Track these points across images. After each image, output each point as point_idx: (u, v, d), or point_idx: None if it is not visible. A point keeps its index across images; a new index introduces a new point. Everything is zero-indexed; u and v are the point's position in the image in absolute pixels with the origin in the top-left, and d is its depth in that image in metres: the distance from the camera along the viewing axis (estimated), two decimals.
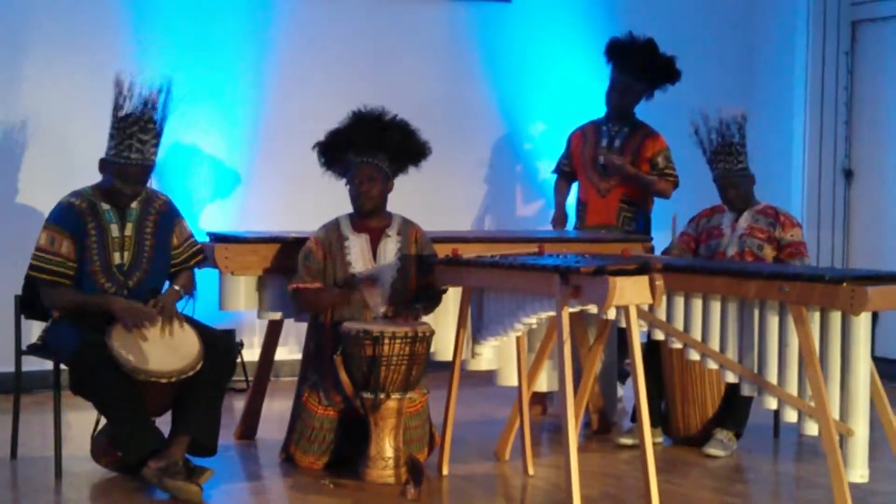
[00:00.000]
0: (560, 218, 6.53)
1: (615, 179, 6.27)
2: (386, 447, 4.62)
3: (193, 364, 4.45)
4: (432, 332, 4.70)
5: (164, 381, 4.39)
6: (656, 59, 6.32)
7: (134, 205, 4.72)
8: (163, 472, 4.34)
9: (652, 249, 5.88)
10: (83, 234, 4.63)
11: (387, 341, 4.54)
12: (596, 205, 6.33)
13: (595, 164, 6.32)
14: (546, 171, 7.40)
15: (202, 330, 4.62)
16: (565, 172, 6.53)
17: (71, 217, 4.64)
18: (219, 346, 4.60)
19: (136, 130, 4.58)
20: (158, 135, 4.64)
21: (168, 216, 4.80)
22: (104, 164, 4.65)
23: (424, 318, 4.98)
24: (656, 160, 6.27)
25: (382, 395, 4.60)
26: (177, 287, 4.75)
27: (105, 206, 4.67)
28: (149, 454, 4.41)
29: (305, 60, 7.03)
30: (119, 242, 4.67)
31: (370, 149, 4.91)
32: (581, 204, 6.45)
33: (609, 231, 6.18)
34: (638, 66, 6.26)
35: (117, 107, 4.61)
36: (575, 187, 6.57)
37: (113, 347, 4.39)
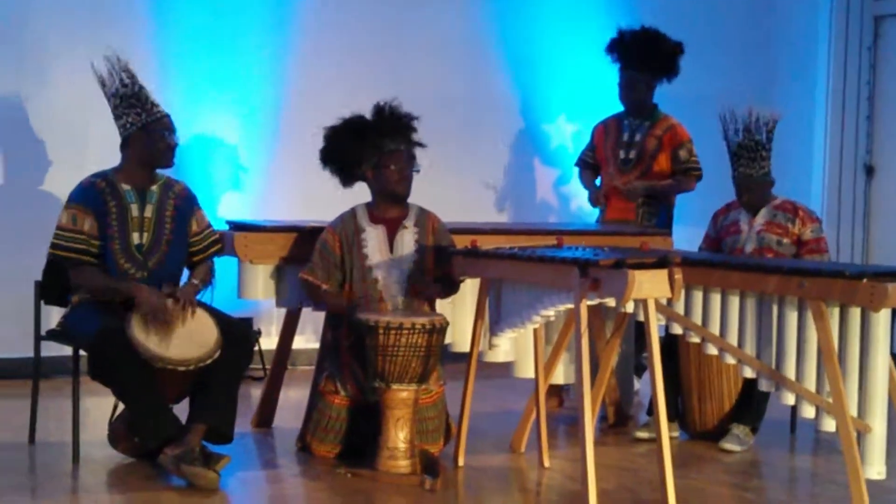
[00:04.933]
0: (597, 196, 6.39)
1: (635, 174, 6.25)
2: (392, 437, 4.61)
3: (211, 352, 4.47)
4: (443, 324, 4.67)
5: (181, 369, 4.41)
6: (655, 48, 6.26)
7: (154, 187, 4.75)
8: (179, 459, 4.36)
9: (671, 244, 5.87)
10: (104, 212, 4.65)
11: (381, 331, 4.54)
12: (616, 200, 6.30)
13: (616, 160, 6.30)
14: (567, 164, 7.40)
15: (220, 318, 4.63)
16: (589, 164, 6.50)
17: (92, 195, 4.67)
18: (236, 334, 4.61)
19: (145, 93, 4.68)
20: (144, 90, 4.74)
21: (187, 201, 4.83)
22: (140, 133, 4.66)
23: (440, 309, 4.99)
24: (678, 154, 6.23)
25: (382, 385, 4.61)
26: (195, 281, 4.77)
27: (126, 187, 4.70)
28: (166, 441, 4.43)
29: (324, 51, 7.04)
30: (139, 223, 4.69)
31: (403, 137, 4.93)
32: (596, 188, 6.43)
33: (640, 228, 6.12)
34: (637, 58, 6.22)
35: (112, 91, 4.69)
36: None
37: (131, 335, 4.41)
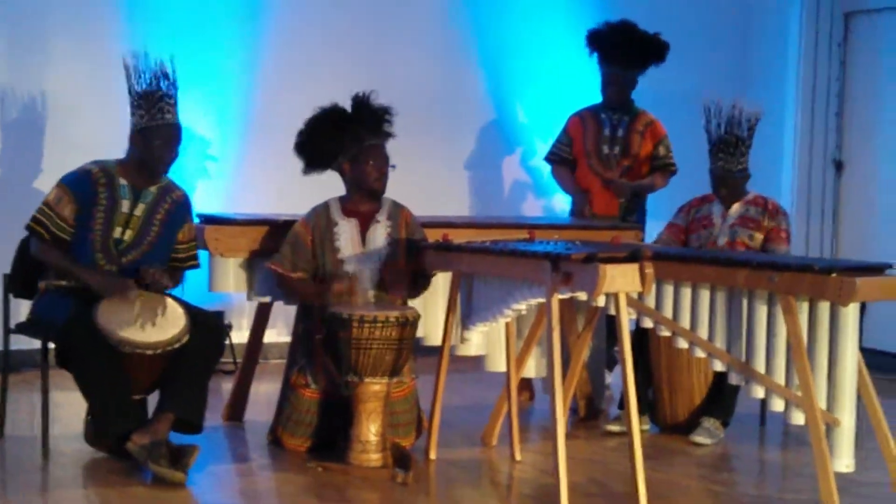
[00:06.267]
0: (582, 208, 6.26)
1: (619, 169, 6.23)
2: (364, 430, 4.61)
3: (179, 336, 4.45)
4: (415, 318, 4.67)
5: (149, 352, 4.39)
6: (640, 42, 6.26)
7: (152, 188, 4.73)
8: (147, 452, 4.34)
9: (643, 238, 5.88)
10: (92, 202, 4.64)
11: (355, 324, 4.54)
12: (601, 195, 6.26)
13: (599, 155, 6.26)
14: (535, 155, 7.41)
15: (189, 309, 4.62)
16: (565, 159, 6.37)
17: (83, 182, 4.66)
18: (206, 323, 4.60)
19: (161, 95, 4.65)
20: (176, 101, 4.71)
21: (182, 209, 4.82)
22: (138, 135, 4.66)
23: (412, 302, 4.99)
24: (658, 150, 6.24)
25: (355, 378, 4.60)
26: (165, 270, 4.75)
27: (122, 182, 4.69)
28: (126, 435, 4.41)
29: (299, 44, 7.02)
30: (125, 219, 4.68)
31: (381, 131, 4.92)
32: (582, 193, 6.32)
33: (612, 222, 6.10)
34: (624, 54, 6.21)
35: (132, 86, 4.68)
36: None
37: (99, 320, 4.39)
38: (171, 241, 4.79)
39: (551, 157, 6.46)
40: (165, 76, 4.69)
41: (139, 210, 4.70)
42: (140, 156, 4.68)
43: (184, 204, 4.83)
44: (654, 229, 6.08)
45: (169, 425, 4.46)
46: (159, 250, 4.75)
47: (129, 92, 4.70)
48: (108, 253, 4.65)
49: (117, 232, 4.67)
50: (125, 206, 4.68)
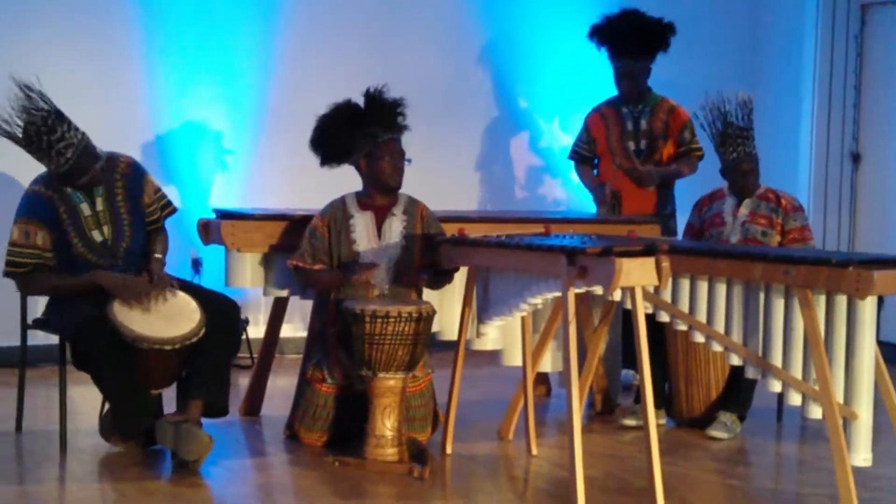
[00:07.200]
0: (604, 196, 6.15)
1: (650, 164, 6.16)
2: (380, 425, 4.61)
3: (196, 329, 4.47)
4: (430, 313, 4.66)
5: (168, 347, 4.41)
6: (645, 29, 6.17)
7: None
8: (176, 426, 4.38)
9: (673, 231, 5.85)
10: (58, 221, 4.59)
11: (368, 320, 4.54)
12: (631, 197, 6.15)
13: (626, 152, 6.20)
14: (542, 136, 7.39)
15: (202, 294, 4.63)
16: (585, 157, 6.31)
17: (39, 206, 4.60)
18: (220, 308, 4.61)
19: (45, 137, 4.46)
20: (59, 116, 4.49)
21: (134, 177, 4.76)
22: (58, 179, 4.58)
23: (428, 297, 4.99)
24: (684, 136, 6.15)
25: (369, 373, 4.61)
26: (158, 255, 4.75)
27: (70, 189, 4.62)
28: (143, 432, 4.45)
29: (312, 38, 7.03)
30: (94, 220, 4.64)
31: (395, 126, 4.91)
32: (602, 186, 6.20)
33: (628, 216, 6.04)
34: (632, 45, 6.13)
35: (14, 136, 4.49)
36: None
37: (114, 319, 4.40)
38: (142, 211, 4.75)
39: (573, 156, 6.39)
40: (35, 107, 4.44)
41: (100, 204, 4.65)
42: (73, 186, 4.60)
43: (132, 173, 4.76)
44: (683, 222, 6.04)
45: (200, 411, 4.51)
46: (139, 228, 4.73)
47: (16, 142, 4.49)
48: (104, 256, 4.64)
49: (96, 235, 4.64)
50: (86, 209, 4.63)
